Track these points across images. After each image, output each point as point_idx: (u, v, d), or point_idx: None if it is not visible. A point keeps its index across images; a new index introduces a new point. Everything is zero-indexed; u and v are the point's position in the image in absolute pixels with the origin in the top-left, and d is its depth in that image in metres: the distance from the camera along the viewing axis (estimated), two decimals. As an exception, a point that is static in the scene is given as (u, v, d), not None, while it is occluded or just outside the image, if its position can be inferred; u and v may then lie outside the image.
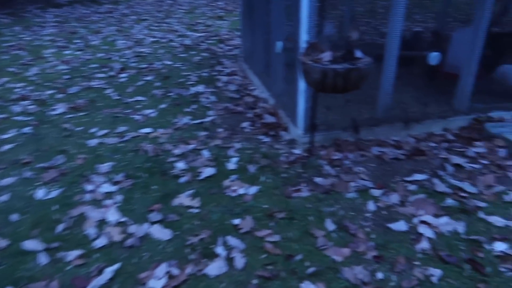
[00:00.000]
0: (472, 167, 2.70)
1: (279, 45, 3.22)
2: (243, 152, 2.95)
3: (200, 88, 4.26)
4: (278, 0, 3.21)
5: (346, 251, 2.02)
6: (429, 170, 2.67)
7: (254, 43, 4.23)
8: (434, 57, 2.94)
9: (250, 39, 4.39)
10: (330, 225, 2.19)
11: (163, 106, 3.85)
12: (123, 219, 2.29)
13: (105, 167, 2.82)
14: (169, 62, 5.22)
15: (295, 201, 2.40)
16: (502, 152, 2.85)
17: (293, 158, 2.83)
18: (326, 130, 3.01)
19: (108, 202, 2.45)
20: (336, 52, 2.13)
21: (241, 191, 2.51)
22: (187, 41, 6.29)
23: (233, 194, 2.48)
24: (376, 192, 2.45)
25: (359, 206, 2.35)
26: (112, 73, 4.84)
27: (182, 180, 2.64)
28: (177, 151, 2.99)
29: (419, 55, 3.33)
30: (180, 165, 2.80)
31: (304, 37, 2.58)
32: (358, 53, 2.17)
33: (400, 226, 2.17)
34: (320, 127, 3.01)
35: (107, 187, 2.59)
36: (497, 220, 2.18)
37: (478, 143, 2.98)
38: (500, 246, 2.01)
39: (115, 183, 2.64)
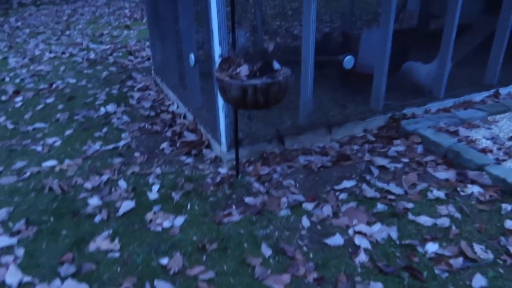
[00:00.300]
0: (395, 167, 2.75)
1: (191, 57, 3.02)
2: (165, 177, 2.71)
3: (111, 107, 3.89)
4: (185, 8, 3.01)
5: (286, 277, 1.89)
6: (356, 175, 2.66)
7: (165, 54, 3.97)
8: (348, 61, 2.95)
9: (160, 50, 4.12)
10: (266, 250, 2.06)
11: (68, 132, 3.43)
12: (26, 279, 1.93)
13: (0, 214, 2.39)
14: (72, 80, 4.73)
15: (227, 227, 2.22)
16: (419, 149, 2.96)
17: (219, 178, 2.65)
18: (251, 144, 2.88)
19: (6, 259, 2.06)
20: (253, 65, 2.00)
21: (167, 223, 2.27)
22: (92, 55, 5.79)
23: (158, 229, 2.24)
24: (309, 206, 2.37)
25: (293, 224, 2.24)
26: (4, 98, 4.24)
27: (97, 219, 2.33)
28: (89, 185, 2.64)
29: (333, 59, 3.35)
30: (94, 201, 2.48)
31: (217, 50, 2.42)
32: (276, 65, 2.05)
33: (336, 240, 2.11)
34: (244, 141, 2.88)
35: (4, 240, 2.19)
36: (425, 220, 2.22)
37: (397, 141, 3.07)
38: (432, 247, 2.03)
39: (15, 233, 2.24)
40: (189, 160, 2.91)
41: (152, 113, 3.73)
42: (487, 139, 3.05)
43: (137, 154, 3.02)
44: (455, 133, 3.10)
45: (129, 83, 4.59)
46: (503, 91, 3.88)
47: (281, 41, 6.05)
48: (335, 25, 7.55)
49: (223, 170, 2.75)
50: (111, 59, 5.56)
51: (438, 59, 3.63)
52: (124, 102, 4.01)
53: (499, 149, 2.90)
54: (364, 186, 2.52)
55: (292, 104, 3.71)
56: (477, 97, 3.76)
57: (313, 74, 2.84)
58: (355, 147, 3.05)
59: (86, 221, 2.32)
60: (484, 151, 2.85)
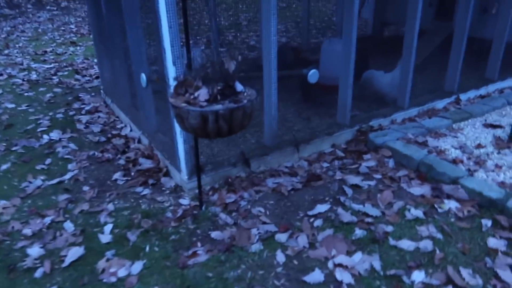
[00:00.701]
0: (369, 185, 2.60)
1: (143, 77, 2.74)
2: (119, 214, 2.40)
3: (55, 134, 3.51)
4: (133, 22, 2.73)
5: (264, 328, 1.66)
6: (329, 197, 2.48)
7: (114, 72, 3.65)
8: (313, 75, 2.79)
9: (109, 68, 3.79)
10: (239, 296, 1.81)
11: (5, 167, 3.02)
12: None
13: None
14: (11, 105, 4.27)
15: (193, 271, 1.96)
16: (390, 163, 2.84)
17: (181, 211, 2.38)
18: (214, 169, 2.63)
19: None
20: (212, 87, 1.77)
21: (122, 272, 1.97)
22: (34, 76, 5.31)
23: (112, 279, 1.93)
24: (282, 237, 2.16)
25: (267, 260, 2.02)
26: None
27: (39, 273, 1.99)
28: (28, 231, 2.29)
29: (297, 74, 3.18)
30: (34, 251, 2.13)
31: (171, 71, 2.17)
32: (239, 86, 1.83)
33: (316, 276, 1.90)
34: (207, 167, 2.63)
35: None
36: (408, 245, 2.06)
37: (367, 156, 2.93)
38: (418, 276, 1.87)
39: None
40: (146, 191, 2.62)
41: (103, 139, 3.39)
42: (456, 148, 2.99)
43: (86, 188, 2.69)
44: (424, 144, 3.02)
45: (76, 105, 4.20)
46: (463, 96, 3.89)
47: (239, 54, 5.87)
48: (290, 34, 7.49)
49: (184, 201, 2.48)
50: (55, 79, 5.12)
51: (399, 68, 3.56)
52: (71, 128, 3.63)
53: (469, 158, 2.84)
54: (340, 210, 2.34)
55: (256, 120, 3.51)
56: (440, 104, 3.73)
57: (276, 91, 2.65)
58: (325, 165, 2.88)
59: (25, 276, 1.97)
60: (455, 161, 2.77)
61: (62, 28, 8.52)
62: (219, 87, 1.78)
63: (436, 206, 2.36)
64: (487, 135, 3.20)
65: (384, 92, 3.70)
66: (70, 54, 6.49)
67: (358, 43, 2.89)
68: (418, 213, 2.31)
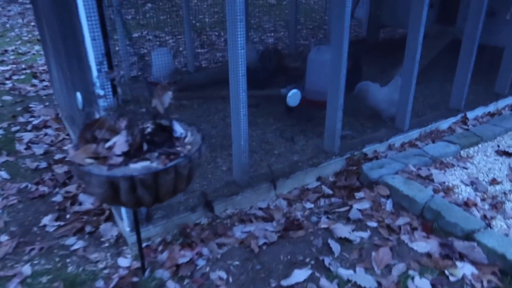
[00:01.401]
0: (361, 237, 2.07)
1: (78, 97, 2.16)
2: (35, 283, 1.83)
3: (-14, 158, 2.92)
4: (61, 26, 2.15)
5: None
6: (311, 258, 1.94)
7: (60, 81, 3.06)
8: (293, 97, 2.25)
9: (56, 76, 3.20)
10: None
11: None
12: None
13: None
14: None
15: None
16: (388, 205, 2.31)
17: (116, 278, 1.83)
18: (166, 217, 2.08)
19: None
20: (136, 132, 1.21)
21: None
22: (-15, 79, 4.69)
23: None
24: (246, 322, 1.62)
25: None
26: None
27: None
28: None
29: (273, 94, 2.63)
30: None
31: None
32: (178, 129, 1.28)
33: None
34: (156, 214, 2.07)
35: None
36: None
37: (359, 194, 2.40)
38: None
39: None
40: (79, 244, 2.06)
41: (43, 165, 2.81)
42: (467, 184, 2.47)
43: (4, 237, 2.12)
44: (429, 179, 2.49)
45: (23, 118, 3.61)
46: (470, 114, 3.37)
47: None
48: (279, 35, 6.92)
49: (124, 262, 1.93)
50: (8, 85, 4.50)
51: (398, 80, 3.03)
52: (8, 149, 3.04)
53: (483, 199, 2.32)
54: (323, 280, 1.80)
55: (226, 144, 2.98)
56: (444, 124, 3.21)
57: (246, 117, 2.10)
58: (308, 205, 2.35)
59: None
60: (467, 204, 2.25)
61: (32, 24, 7.85)
62: (146, 132, 1.23)
63: (446, 272, 1.83)
64: (501, 166, 2.69)
65: (380, 108, 3.18)
66: (34, 54, 5.86)
67: (351, 47, 2.37)
68: (424, 284, 1.78)
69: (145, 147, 1.20)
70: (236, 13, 1.84)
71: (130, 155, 1.18)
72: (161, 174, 1.10)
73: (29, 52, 5.97)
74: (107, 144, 1.19)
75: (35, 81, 4.62)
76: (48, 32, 2.76)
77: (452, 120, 3.25)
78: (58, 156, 2.90)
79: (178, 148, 1.22)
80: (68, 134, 3.26)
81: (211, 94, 3.21)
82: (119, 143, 1.18)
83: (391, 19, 5.50)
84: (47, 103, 3.95)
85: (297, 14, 5.11)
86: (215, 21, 7.99)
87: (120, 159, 1.15)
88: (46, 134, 3.27)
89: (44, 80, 4.66)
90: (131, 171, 1.10)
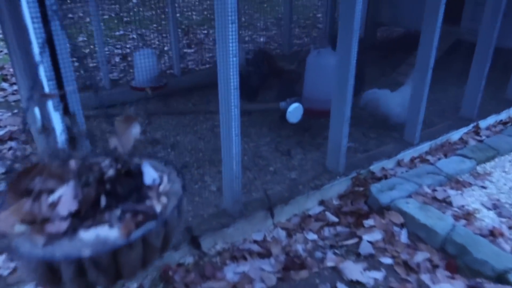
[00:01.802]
0: (375, 279, 1.76)
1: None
2: None
3: None
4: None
5: None
6: (318, 308, 1.63)
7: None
8: (294, 113, 1.92)
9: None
10: None
11: None
12: None
13: None
14: None
15: None
16: (403, 235, 2.00)
17: None
18: (144, 257, 1.73)
19: None
20: (91, 179, 0.87)
21: None
22: None
23: None
24: None
25: None
26: None
27: None
28: None
29: (271, 108, 2.30)
30: None
31: (54, 117, 1.25)
32: (150, 173, 0.94)
33: None
34: (133, 254, 1.73)
35: None
36: None
37: (369, 221, 2.09)
38: None
39: None
40: (38, 292, 1.70)
41: (1, 187, 2.43)
42: (489, 208, 2.17)
43: None
44: (446, 202, 2.19)
45: (-13, 128, 3.21)
46: (483, 123, 3.09)
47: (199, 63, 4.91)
48: (271, 33, 6.57)
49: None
50: (-26, 89, 4.08)
51: (410, 86, 2.73)
52: (-36, 167, 2.66)
53: (510, 227, 2.03)
54: None
55: (215, 159, 2.66)
56: (456, 135, 2.92)
57: (239, 137, 1.76)
58: (311, 237, 2.03)
59: None
60: (493, 234, 1.96)
61: (8, 20, 7.37)
62: (106, 176, 0.89)
63: (481, 327, 1.53)
64: (523, 184, 2.41)
65: (393, 115, 2.88)
66: (6, 53, 5.42)
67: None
68: None
69: (102, 202, 0.86)
70: (228, 13, 1.50)
71: (81, 216, 0.84)
72: (123, 251, 0.76)
73: (1, 51, 5.53)
74: (49, 200, 0.85)
75: (4, 85, 4.21)
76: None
77: (463, 130, 2.96)
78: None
79: (150, 202, 0.89)
80: (36, 148, 2.88)
81: (196, 109, 2.87)
82: (66, 198, 0.84)
83: (391, 17, 5.21)
84: (15, 111, 3.56)
85: (291, 12, 4.78)
86: (203, 18, 7.61)
87: (65, 225, 0.81)
88: (10, 148, 2.89)
89: (14, 84, 4.25)
90: (79, 247, 0.76)
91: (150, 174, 0.93)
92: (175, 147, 2.90)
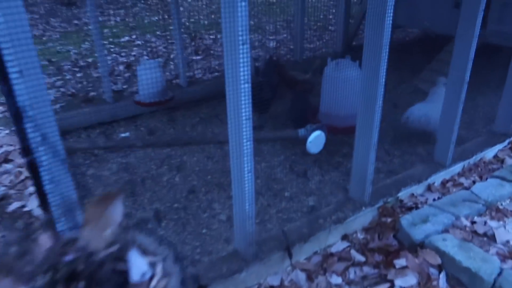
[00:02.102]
0: None
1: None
2: None
3: None
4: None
5: None
6: None
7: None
8: (315, 143, 1.68)
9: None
10: None
11: None
12: None
13: None
14: None
15: None
16: (441, 280, 1.74)
17: None
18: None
19: None
20: (59, 275, 0.63)
21: None
22: None
23: None
24: None
25: None
26: None
27: None
28: None
29: (287, 136, 2.05)
30: None
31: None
32: (137, 264, 0.69)
33: None
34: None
35: None
36: None
37: (400, 261, 1.83)
38: None
39: None
40: None
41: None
42: (539, 245, 1.90)
43: None
44: (488, 237, 1.92)
45: (-18, 148, 3.02)
46: (518, 138, 2.80)
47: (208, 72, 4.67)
48: (280, 37, 6.31)
49: None
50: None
51: (438, 95, 2.46)
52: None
53: None
54: None
55: (224, 183, 2.44)
56: (490, 152, 2.64)
57: (252, 173, 1.52)
58: (334, 280, 1.78)
59: None
60: (548, 280, 1.68)
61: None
62: (81, 274, 0.65)
63: None
64: None
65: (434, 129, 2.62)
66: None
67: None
68: None
69: (72, 313, 0.63)
70: (238, 32, 1.26)
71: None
72: None
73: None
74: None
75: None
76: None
77: (498, 147, 2.68)
78: (14, 206, 2.32)
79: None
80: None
81: (202, 140, 2.63)
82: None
83: (407, 18, 4.92)
84: (13, 128, 3.35)
85: (304, 14, 4.51)
86: (210, 22, 7.38)
87: None
88: (5, 172, 2.69)
89: (15, 97, 4.06)
90: None
91: (138, 265, 0.69)
92: (181, 168, 2.67)
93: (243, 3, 1.22)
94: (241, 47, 1.28)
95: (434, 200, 2.19)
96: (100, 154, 2.86)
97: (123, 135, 3.22)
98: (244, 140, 1.40)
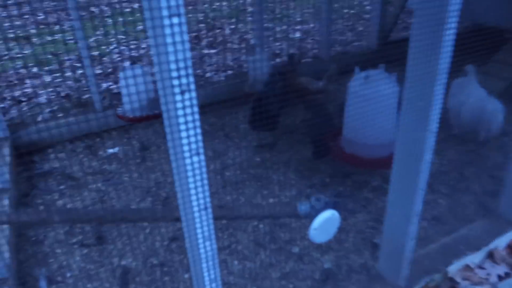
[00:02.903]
0: None
1: None
2: None
3: None
4: None
5: None
6: None
7: None
8: (323, 229, 1.09)
9: None
10: None
11: None
12: None
13: None
14: None
15: None
16: None
17: None
18: None
19: None
20: None
21: None
22: None
23: None
24: None
25: None
26: None
27: None
28: None
29: (283, 214, 1.46)
30: None
31: None
32: None
33: None
34: None
35: None
36: None
37: None
38: None
39: None
40: None
41: None
42: None
43: None
44: None
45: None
46: None
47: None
48: (306, 27, 5.60)
49: None
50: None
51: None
52: None
53: None
54: None
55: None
56: None
57: (218, 282, 0.96)
58: None
59: None
60: None
61: (26, 16, 6.89)
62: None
63: None
64: None
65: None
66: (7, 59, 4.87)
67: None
68: None
69: None
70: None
71: None
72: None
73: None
74: None
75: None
76: None
77: None
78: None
79: None
80: None
81: (151, 216, 1.91)
82: None
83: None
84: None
85: (331, 1, 3.81)
86: (232, 9, 6.73)
87: None
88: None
89: (7, 100, 3.66)
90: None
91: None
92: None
93: None
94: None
95: (499, 277, 1.56)
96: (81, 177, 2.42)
97: (111, 150, 2.75)
98: (200, 241, 0.84)
